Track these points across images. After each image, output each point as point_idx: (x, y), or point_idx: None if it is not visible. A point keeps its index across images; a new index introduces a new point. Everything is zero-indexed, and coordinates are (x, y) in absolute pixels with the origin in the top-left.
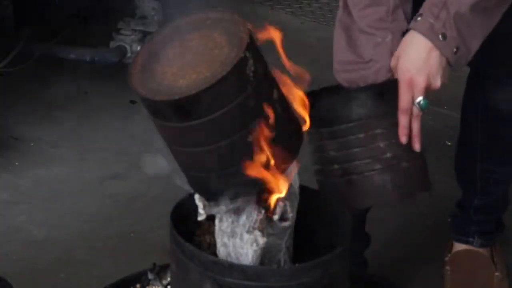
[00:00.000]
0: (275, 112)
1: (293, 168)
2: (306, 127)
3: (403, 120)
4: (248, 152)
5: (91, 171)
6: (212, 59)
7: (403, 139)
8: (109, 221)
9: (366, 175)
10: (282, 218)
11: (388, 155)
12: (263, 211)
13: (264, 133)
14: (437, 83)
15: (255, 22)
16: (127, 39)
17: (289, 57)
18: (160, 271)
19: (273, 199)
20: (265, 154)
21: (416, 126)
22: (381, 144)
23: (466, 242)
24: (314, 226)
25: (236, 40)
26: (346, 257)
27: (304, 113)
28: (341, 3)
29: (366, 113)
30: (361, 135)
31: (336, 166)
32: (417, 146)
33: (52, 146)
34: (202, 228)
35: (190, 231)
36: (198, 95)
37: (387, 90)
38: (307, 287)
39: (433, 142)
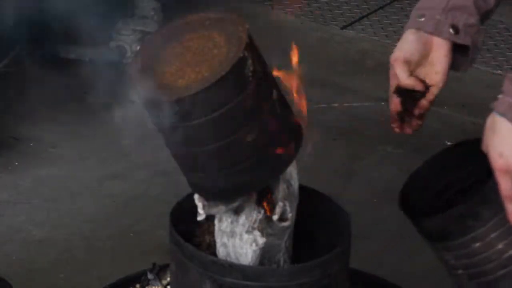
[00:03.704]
0: (274, 111)
1: (293, 168)
2: (305, 126)
3: (510, 207)
4: (248, 152)
5: (91, 171)
6: (211, 59)
7: None
8: (109, 221)
9: (492, 278)
10: (282, 218)
11: (510, 252)
12: (262, 211)
13: (263, 133)
14: None
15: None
16: (127, 39)
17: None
18: (159, 271)
19: (272, 199)
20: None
21: None
22: (500, 245)
23: None
24: (314, 226)
25: (235, 40)
26: (346, 257)
27: (304, 113)
28: None
29: (477, 224)
30: (477, 245)
31: (460, 271)
32: None
33: (52, 146)
34: (202, 228)
35: (190, 231)
36: (197, 95)
37: (489, 193)
38: (306, 287)
39: (433, 142)
